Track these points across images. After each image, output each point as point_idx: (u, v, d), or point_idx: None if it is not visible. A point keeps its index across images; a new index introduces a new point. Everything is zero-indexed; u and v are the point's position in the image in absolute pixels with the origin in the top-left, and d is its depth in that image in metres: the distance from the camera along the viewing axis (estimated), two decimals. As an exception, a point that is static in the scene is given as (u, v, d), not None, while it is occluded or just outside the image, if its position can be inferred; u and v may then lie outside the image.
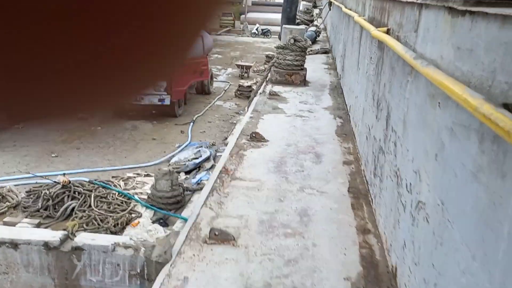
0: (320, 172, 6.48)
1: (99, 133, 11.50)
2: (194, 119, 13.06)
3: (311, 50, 12.70)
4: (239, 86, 16.33)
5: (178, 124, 12.63)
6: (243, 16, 43.84)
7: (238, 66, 20.04)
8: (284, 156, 6.95)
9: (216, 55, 26.36)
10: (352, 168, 6.67)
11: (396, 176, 3.81)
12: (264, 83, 9.20)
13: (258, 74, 20.68)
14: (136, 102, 12.26)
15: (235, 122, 13.20)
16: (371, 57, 4.73)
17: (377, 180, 4.75)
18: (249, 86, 16.23)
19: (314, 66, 11.22)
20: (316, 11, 27.57)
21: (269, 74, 8.97)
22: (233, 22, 45.47)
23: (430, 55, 3.18)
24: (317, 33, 15.27)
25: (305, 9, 19.20)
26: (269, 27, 37.26)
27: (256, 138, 6.95)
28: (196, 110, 14.19)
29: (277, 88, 9.50)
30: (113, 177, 8.85)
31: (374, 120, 4.87)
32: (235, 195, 5.79)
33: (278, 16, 31.44)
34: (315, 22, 18.20)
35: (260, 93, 9.78)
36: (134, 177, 9.04)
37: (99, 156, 10.00)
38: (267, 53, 22.97)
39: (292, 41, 8.13)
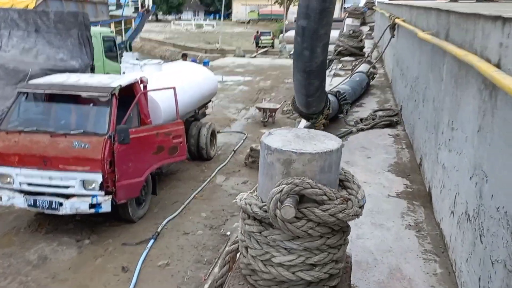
0: None
1: (-27, 277, 6.03)
2: (158, 231, 7.30)
3: (362, 122, 6.54)
4: (251, 150, 10.46)
5: (128, 245, 6.94)
6: (282, 35, 37.98)
7: (259, 109, 14.23)
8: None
9: (241, 87, 20.72)
10: None
11: None
12: None
13: (288, 118, 14.79)
14: (50, 211, 6.69)
15: (227, 234, 7.38)
16: None
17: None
18: (266, 150, 10.31)
19: (372, 182, 4.52)
20: (365, 29, 21.24)
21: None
22: (272, 41, 39.71)
23: None
24: (371, 76, 9.15)
25: (350, 31, 13.01)
26: (310, 46, 31.17)
27: None
28: (174, 202, 8.46)
29: None
30: None
31: None
32: None
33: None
34: (366, 52, 11.88)
35: None
36: None
37: None
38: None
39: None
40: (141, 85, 7.75)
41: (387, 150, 5.37)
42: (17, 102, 7.18)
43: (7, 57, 10.08)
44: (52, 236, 7.10)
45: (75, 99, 7.21)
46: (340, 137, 5.97)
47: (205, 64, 27.59)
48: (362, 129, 6.09)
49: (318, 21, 3.83)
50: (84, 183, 6.66)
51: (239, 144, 11.98)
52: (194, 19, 68.28)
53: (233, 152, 11.37)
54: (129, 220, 7.50)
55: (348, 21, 16.14)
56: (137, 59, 21.22)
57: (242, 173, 10.14)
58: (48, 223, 7.43)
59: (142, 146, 7.13)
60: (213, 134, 10.94)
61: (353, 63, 10.35)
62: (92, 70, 11.44)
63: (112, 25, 20.38)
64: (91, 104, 7.11)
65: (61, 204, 6.62)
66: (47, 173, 6.68)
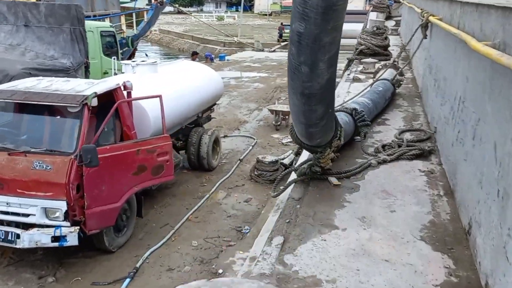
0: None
1: None
2: (138, 266, 6.10)
3: (384, 149, 5.04)
4: (257, 161, 9.17)
5: (99, 285, 5.77)
6: (302, 28, 36.23)
7: (271, 111, 12.90)
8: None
9: (256, 84, 19.38)
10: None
11: None
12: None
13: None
14: (5, 244, 5.58)
15: (219, 272, 6.12)
16: None
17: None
18: (274, 162, 9.04)
19: (397, 260, 2.92)
20: (390, 23, 19.56)
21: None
22: (292, 34, 38.04)
23: None
24: (397, 83, 7.65)
25: (374, 28, 11.43)
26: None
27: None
28: (164, 225, 7.28)
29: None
30: None
31: None
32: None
33: (346, 27, 23.68)
34: (392, 52, 10.22)
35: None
36: None
37: None
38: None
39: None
40: (125, 92, 6.55)
41: (419, 198, 3.95)
42: (-24, 112, 6.06)
43: (-13, 54, 9.03)
44: (13, 269, 5.99)
45: (42, 110, 6.04)
46: (356, 174, 4.60)
47: (221, 58, 26.37)
48: (385, 161, 4.69)
49: (321, 24, 2.51)
50: (46, 212, 5.51)
51: (246, 152, 10.69)
52: (216, 11, 66.92)
53: (238, 161, 10.10)
54: (105, 250, 6.33)
55: (372, 15, 14.56)
56: (146, 54, 20.06)
57: (246, 188, 8.86)
58: (13, 251, 6.31)
59: (118, 166, 5.92)
60: (216, 142, 9.69)
61: (376, 66, 8.88)
62: (87, 68, 10.32)
63: (123, 18, 19.27)
64: (59, 116, 5.92)
65: (18, 236, 5.48)
66: (4, 198, 5.55)
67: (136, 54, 19.04)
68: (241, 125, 13.15)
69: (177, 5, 31.57)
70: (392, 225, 3.55)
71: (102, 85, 6.30)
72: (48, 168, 5.41)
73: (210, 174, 9.40)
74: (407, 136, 5.53)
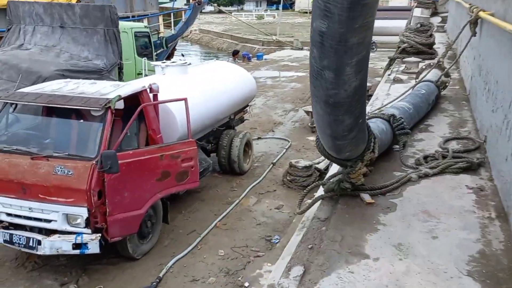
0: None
1: None
2: (161, 275, 5.86)
3: (426, 161, 4.46)
4: (290, 166, 8.77)
5: (121, 294, 5.57)
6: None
7: (307, 112, 12.43)
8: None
9: (293, 84, 18.96)
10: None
11: None
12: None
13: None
14: (27, 250, 5.47)
15: (246, 285, 5.79)
16: None
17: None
18: (308, 167, 8.63)
19: None
20: (436, 20, 18.55)
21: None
22: (333, 32, 37.17)
23: None
24: (442, 85, 6.98)
25: (417, 25, 10.66)
26: (374, 38, 28.44)
27: None
28: (191, 232, 7.02)
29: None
30: None
31: None
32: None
33: (389, 24, 22.58)
34: (437, 50, 9.46)
35: None
36: None
37: None
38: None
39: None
40: (151, 95, 6.32)
41: (466, 220, 3.37)
42: (3, 114, 6.00)
43: (22, 56, 9.09)
44: (36, 275, 5.90)
45: (66, 113, 5.91)
46: (392, 190, 4.08)
47: (259, 57, 26.04)
48: (427, 175, 4.13)
49: (346, 22, 2.11)
50: (68, 218, 5.36)
51: (279, 156, 10.29)
52: (256, 10, 66.78)
53: (271, 165, 9.72)
54: (128, 257, 6.15)
55: (417, 12, 13.77)
56: (182, 55, 20.00)
57: (277, 194, 8.48)
58: (38, 256, 6.23)
59: (141, 172, 5.69)
60: (247, 145, 9.36)
61: (419, 65, 8.23)
62: (120, 69, 10.26)
63: (161, 18, 19.32)
64: (82, 120, 5.76)
65: (39, 243, 5.36)
66: (27, 203, 5.45)
67: (175, 54, 19.04)
68: (275, 127, 12.77)
69: (216, 4, 31.51)
70: (433, 255, 3.02)
71: (127, 88, 6.10)
72: (70, 173, 5.25)
73: (241, 178, 9.10)
74: (453, 145, 4.92)
